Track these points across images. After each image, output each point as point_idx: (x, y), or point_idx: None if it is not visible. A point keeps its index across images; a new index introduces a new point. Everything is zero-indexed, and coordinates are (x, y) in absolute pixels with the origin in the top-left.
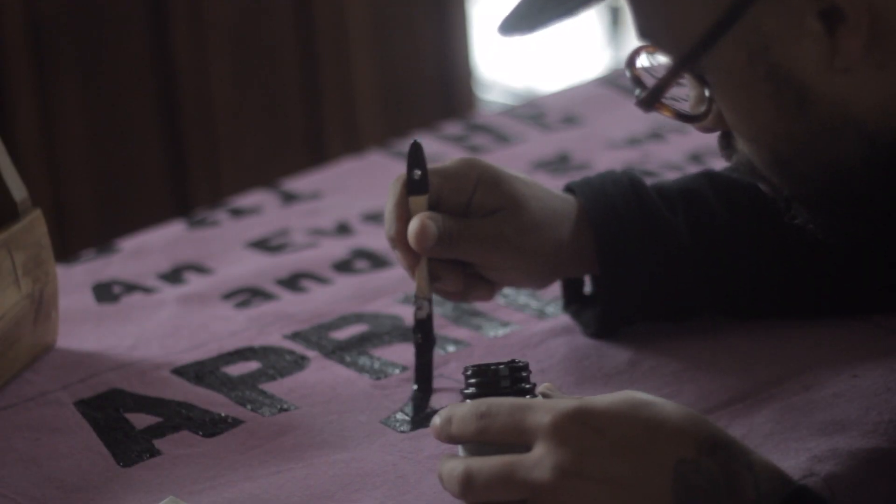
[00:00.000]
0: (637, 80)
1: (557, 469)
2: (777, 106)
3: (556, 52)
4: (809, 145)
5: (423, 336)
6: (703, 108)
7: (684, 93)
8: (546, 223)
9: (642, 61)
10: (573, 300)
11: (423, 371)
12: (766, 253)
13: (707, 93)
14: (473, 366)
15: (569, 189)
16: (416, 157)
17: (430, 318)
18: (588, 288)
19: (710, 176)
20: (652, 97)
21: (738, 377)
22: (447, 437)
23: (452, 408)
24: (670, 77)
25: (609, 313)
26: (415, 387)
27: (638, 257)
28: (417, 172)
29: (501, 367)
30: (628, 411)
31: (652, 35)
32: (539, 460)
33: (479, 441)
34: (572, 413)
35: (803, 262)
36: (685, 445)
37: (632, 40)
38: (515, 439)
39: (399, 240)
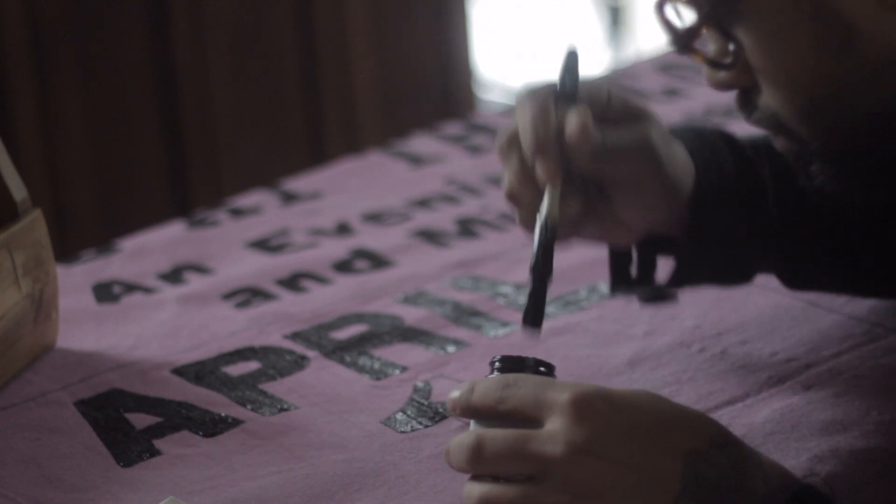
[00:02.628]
0: (667, 25)
1: (570, 445)
2: (821, 47)
3: (556, 53)
4: (849, 88)
5: (546, 263)
6: (728, 60)
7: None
8: (673, 147)
9: (670, 8)
10: (619, 282)
11: (540, 304)
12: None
13: (731, 46)
14: (501, 356)
15: None
16: (571, 66)
17: (553, 243)
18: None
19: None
20: (685, 40)
21: (737, 377)
22: (465, 405)
23: (476, 380)
24: (704, 21)
25: (682, 279)
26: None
27: (730, 222)
28: (569, 84)
29: (529, 358)
30: (646, 400)
31: None
32: (553, 434)
33: (497, 413)
34: (592, 393)
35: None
36: (698, 438)
37: (631, 40)
38: (533, 411)
39: (546, 147)
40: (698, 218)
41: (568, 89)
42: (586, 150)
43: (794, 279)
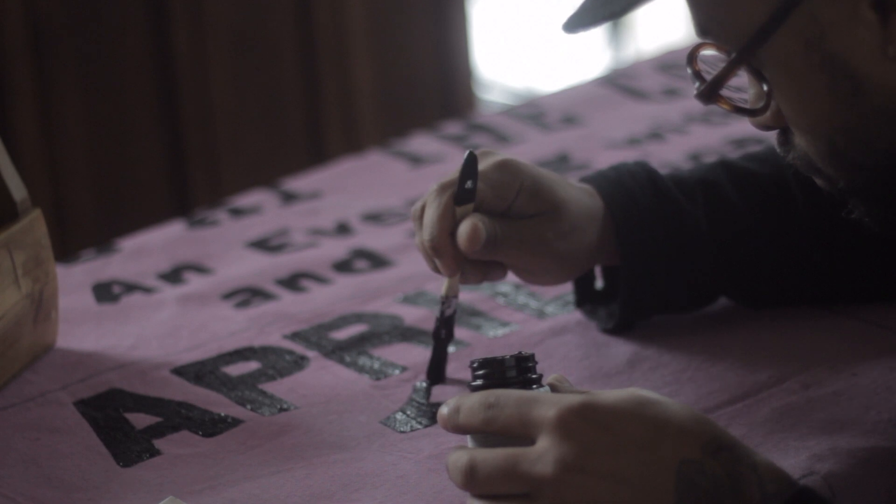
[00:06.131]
0: (697, 75)
1: (560, 463)
2: (832, 96)
3: (556, 52)
4: (864, 133)
5: (448, 332)
6: (761, 104)
7: (743, 86)
8: (581, 226)
9: (702, 57)
10: (585, 297)
11: (440, 363)
12: (782, 242)
13: (765, 87)
14: (480, 358)
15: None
16: (471, 168)
17: (455, 314)
18: (600, 283)
19: (726, 165)
20: (710, 90)
21: (737, 377)
22: (454, 426)
23: (461, 398)
24: (728, 70)
25: (630, 305)
26: (423, 383)
27: (659, 250)
28: (469, 183)
29: (508, 357)
30: (634, 409)
31: (711, 31)
32: (542, 454)
33: (486, 432)
34: (577, 408)
35: (818, 251)
36: (689, 446)
37: (631, 40)
38: (521, 431)
39: (442, 247)
40: (626, 246)
41: (470, 190)
42: (473, 252)
43: (754, 300)
